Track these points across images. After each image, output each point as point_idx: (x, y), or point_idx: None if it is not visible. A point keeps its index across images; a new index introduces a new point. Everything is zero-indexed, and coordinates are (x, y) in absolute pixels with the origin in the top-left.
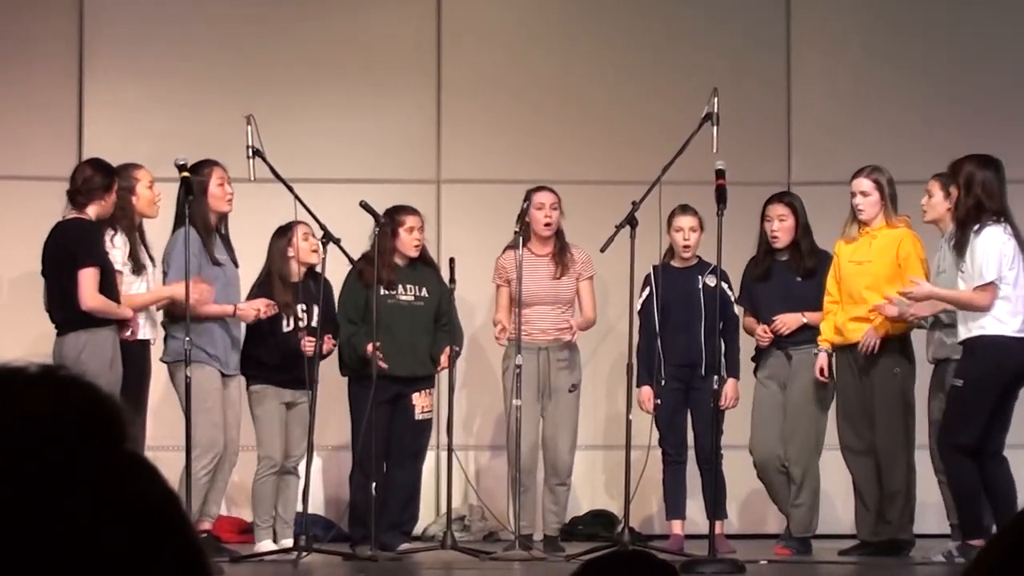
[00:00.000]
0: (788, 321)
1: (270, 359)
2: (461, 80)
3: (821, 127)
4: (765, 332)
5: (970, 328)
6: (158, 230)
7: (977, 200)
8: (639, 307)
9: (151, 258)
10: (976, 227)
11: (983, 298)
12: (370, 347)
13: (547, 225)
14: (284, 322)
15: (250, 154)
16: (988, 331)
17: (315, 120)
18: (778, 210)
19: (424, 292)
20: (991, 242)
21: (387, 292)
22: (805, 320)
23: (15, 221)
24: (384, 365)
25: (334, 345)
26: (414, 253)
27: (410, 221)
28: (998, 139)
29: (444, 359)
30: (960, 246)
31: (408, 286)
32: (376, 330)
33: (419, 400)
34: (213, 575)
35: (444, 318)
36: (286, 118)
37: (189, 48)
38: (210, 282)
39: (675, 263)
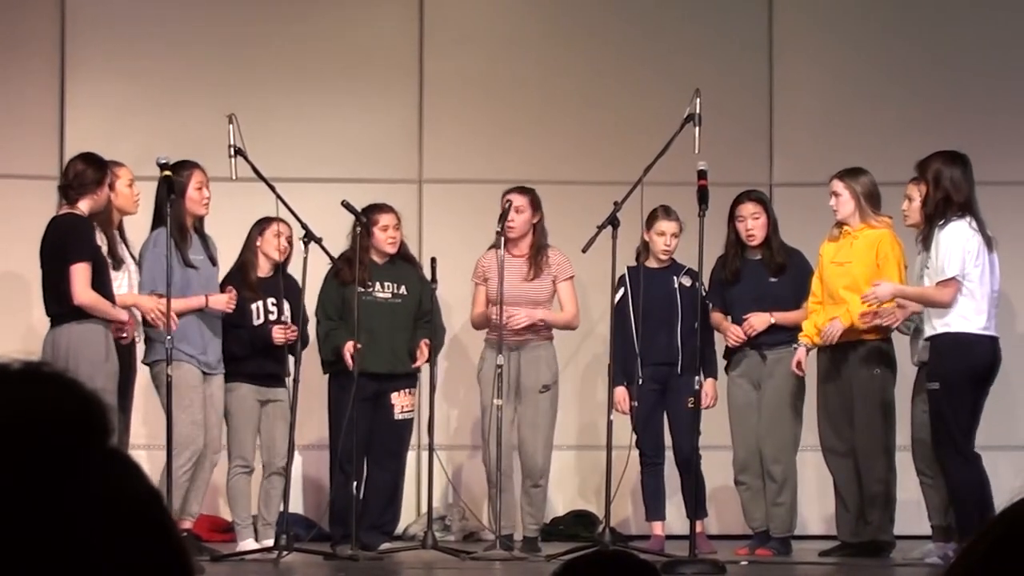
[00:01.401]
0: (755, 323)
1: (242, 352)
2: (443, 80)
3: (803, 128)
4: (737, 334)
5: (935, 325)
6: (136, 228)
7: (946, 194)
8: (614, 307)
9: (132, 256)
10: (941, 222)
11: (944, 294)
12: (348, 346)
13: (510, 228)
14: (255, 315)
15: (232, 153)
16: (953, 328)
17: (297, 119)
18: (750, 208)
19: (403, 289)
20: (954, 237)
21: (363, 290)
22: (773, 320)
23: None
24: (350, 364)
25: (295, 333)
26: (390, 250)
27: (384, 220)
28: (980, 141)
29: (419, 353)
30: (927, 241)
31: (386, 283)
32: (354, 328)
33: (399, 399)
34: (195, 573)
35: (426, 316)
36: (268, 117)
37: (171, 47)
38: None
39: (650, 263)
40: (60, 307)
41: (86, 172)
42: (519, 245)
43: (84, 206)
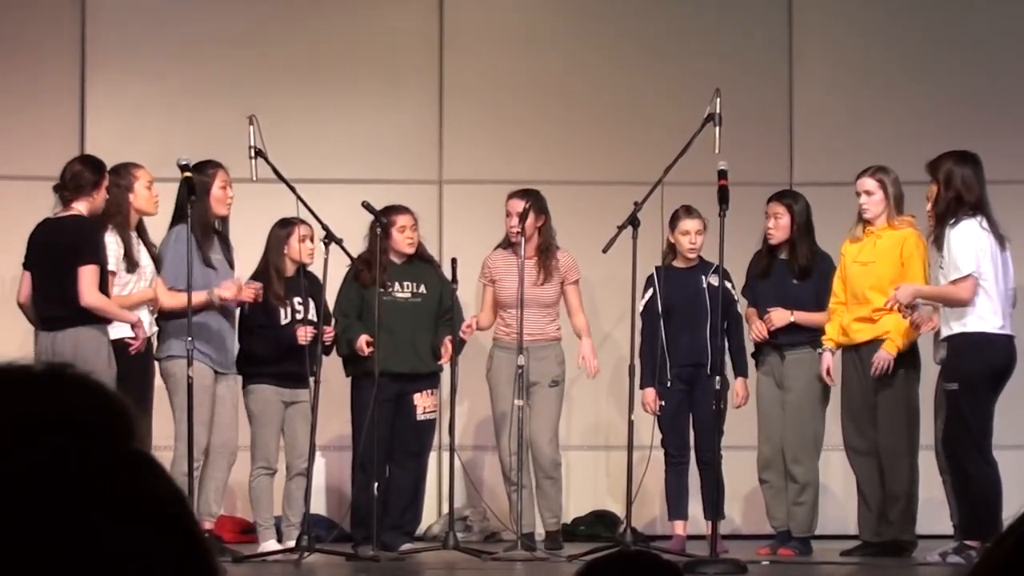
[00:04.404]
0: (774, 318)
1: (267, 353)
2: (463, 80)
3: (823, 127)
4: (759, 329)
5: (951, 326)
6: (158, 228)
7: (957, 194)
8: (642, 308)
9: (153, 257)
10: (952, 221)
11: (962, 291)
12: (362, 339)
13: (516, 234)
14: (282, 314)
15: (252, 154)
16: (969, 328)
17: (317, 120)
18: (774, 208)
19: (422, 289)
20: (965, 235)
21: (382, 290)
22: (793, 319)
23: (16, 220)
24: (365, 351)
25: (332, 336)
26: (408, 251)
27: (401, 220)
28: (999, 139)
29: (444, 350)
30: (939, 241)
31: (405, 283)
32: (374, 328)
33: (421, 400)
34: (219, 574)
35: (448, 314)
36: (288, 118)
37: (191, 48)
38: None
39: (677, 263)
40: (63, 310)
41: (83, 173)
42: (528, 248)
43: (81, 207)
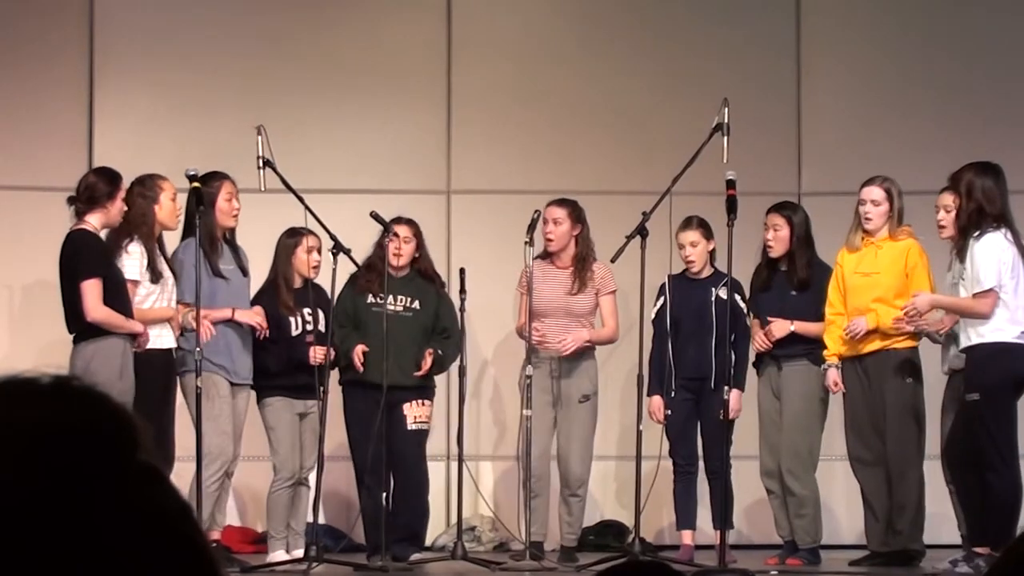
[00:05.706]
0: (774, 330)
1: (278, 366)
2: (471, 90)
3: (831, 137)
4: (761, 340)
5: (970, 336)
6: (168, 238)
7: (978, 206)
8: (653, 316)
9: (172, 270)
10: (976, 233)
11: (983, 305)
12: (357, 349)
13: (548, 240)
14: (292, 325)
15: (260, 165)
16: (987, 339)
17: (325, 130)
18: (773, 220)
19: (416, 304)
20: (990, 249)
21: (374, 300)
22: (793, 328)
23: (26, 231)
24: (360, 368)
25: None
26: (394, 262)
27: (395, 230)
28: (1010, 149)
29: (423, 363)
30: (962, 253)
31: (399, 297)
32: (364, 337)
33: (410, 410)
34: None
35: (443, 332)
36: (296, 129)
37: (199, 59)
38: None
39: (689, 274)
40: (75, 324)
41: (96, 185)
42: (562, 257)
43: (95, 220)
